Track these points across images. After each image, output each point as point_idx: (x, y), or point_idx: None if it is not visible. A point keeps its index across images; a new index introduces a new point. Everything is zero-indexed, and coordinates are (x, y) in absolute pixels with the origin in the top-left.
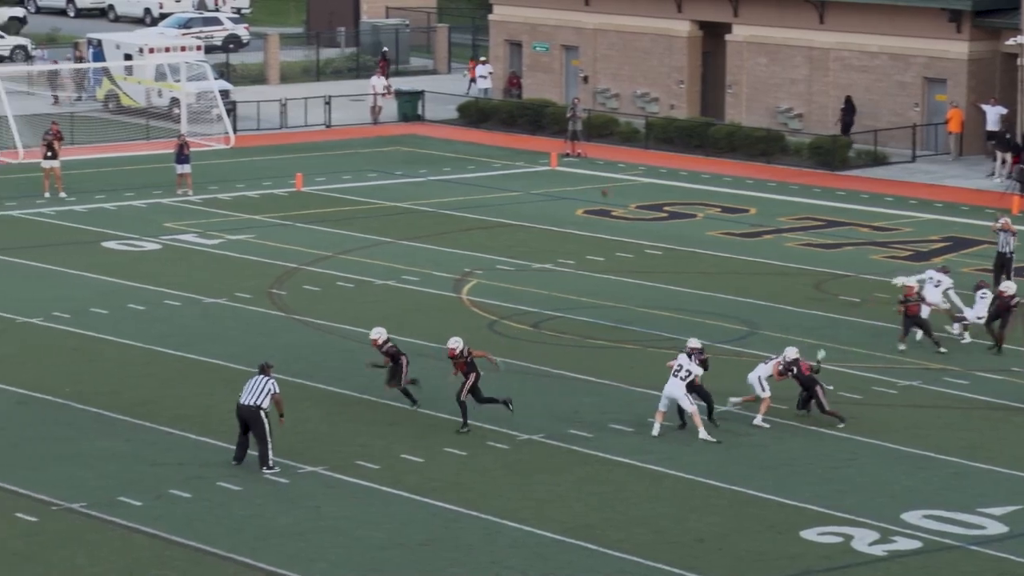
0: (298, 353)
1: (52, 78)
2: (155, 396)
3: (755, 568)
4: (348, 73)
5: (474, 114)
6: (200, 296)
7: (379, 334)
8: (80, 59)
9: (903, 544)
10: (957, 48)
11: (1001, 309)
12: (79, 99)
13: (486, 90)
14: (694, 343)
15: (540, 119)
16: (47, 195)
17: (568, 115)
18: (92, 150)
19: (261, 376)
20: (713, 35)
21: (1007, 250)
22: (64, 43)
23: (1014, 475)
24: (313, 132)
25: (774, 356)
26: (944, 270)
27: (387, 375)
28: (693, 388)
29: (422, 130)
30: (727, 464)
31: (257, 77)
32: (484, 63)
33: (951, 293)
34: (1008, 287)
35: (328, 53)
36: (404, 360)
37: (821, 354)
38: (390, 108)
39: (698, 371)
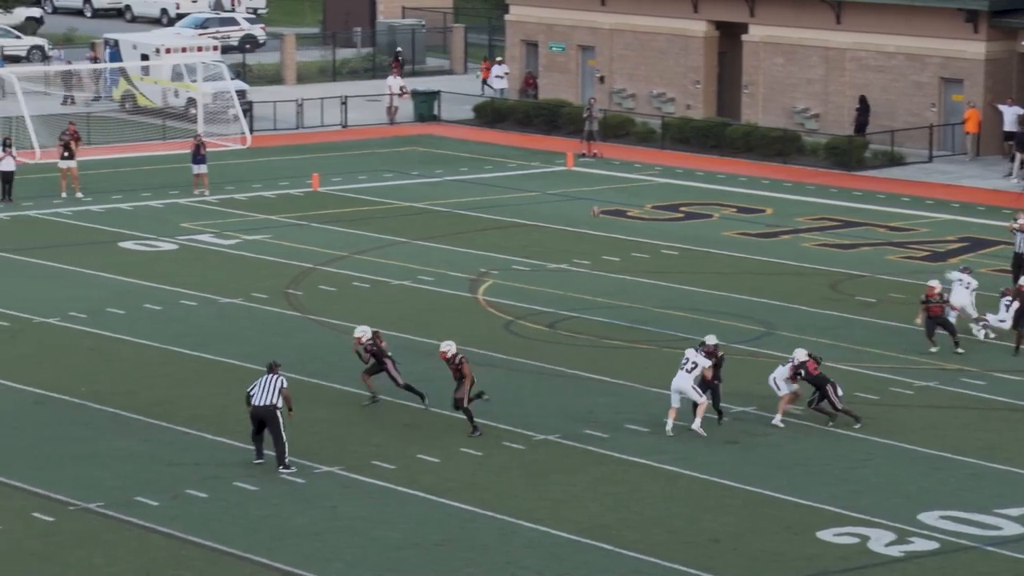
0: (314, 353)
1: (66, 78)
2: (171, 396)
3: (771, 568)
4: (364, 73)
5: (490, 114)
6: (216, 296)
7: (362, 332)
8: (95, 59)
9: (920, 545)
10: (974, 48)
11: (1020, 310)
12: (95, 99)
13: (502, 90)
14: (709, 340)
15: (556, 119)
16: (64, 195)
17: (584, 115)
18: (109, 150)
19: (270, 375)
20: (729, 35)
21: None
22: (81, 43)
23: None
24: (329, 132)
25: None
26: (967, 270)
27: (368, 368)
28: (707, 386)
29: (438, 130)
30: (742, 464)
31: (273, 77)
32: (500, 63)
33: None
34: None
35: (344, 53)
36: (389, 362)
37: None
38: (406, 108)
39: (705, 362)
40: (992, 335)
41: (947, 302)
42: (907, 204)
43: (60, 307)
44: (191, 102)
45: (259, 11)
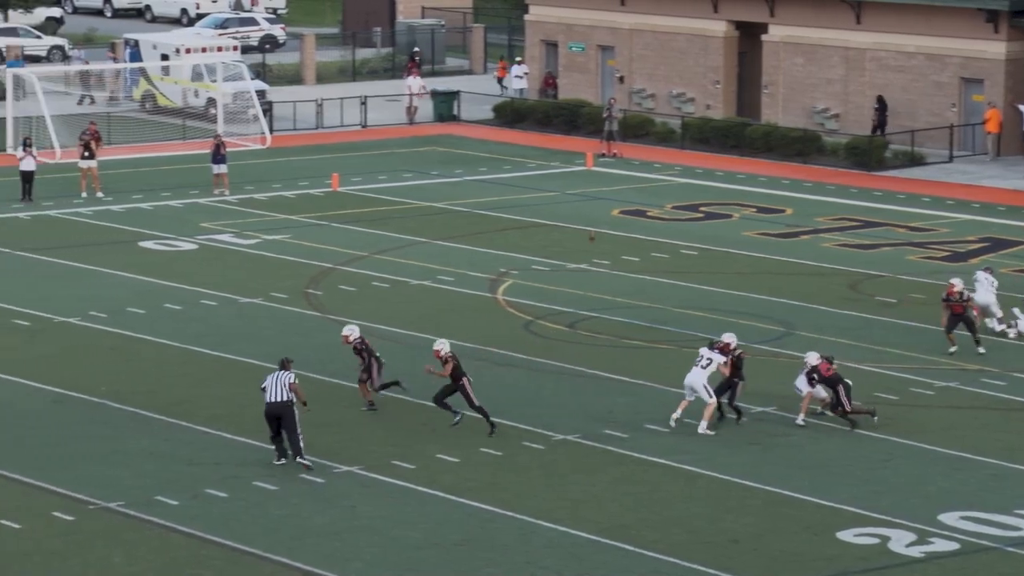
0: (334, 353)
1: (85, 78)
2: (191, 395)
3: (790, 569)
4: (384, 73)
5: (510, 114)
6: (236, 296)
7: (350, 331)
8: (114, 60)
9: (940, 545)
10: (994, 48)
11: None
12: (114, 99)
13: (522, 90)
14: (725, 337)
15: (576, 119)
16: (84, 195)
17: (604, 115)
18: (129, 150)
19: (281, 371)
20: (749, 35)
21: None
22: (101, 43)
23: None
24: (349, 132)
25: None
26: (988, 270)
27: (360, 372)
28: (727, 385)
29: (458, 130)
30: (762, 464)
31: (293, 77)
32: (520, 63)
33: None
34: None
35: (364, 53)
36: (375, 363)
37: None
38: (426, 108)
39: (719, 358)
40: (1012, 334)
41: (968, 300)
42: (927, 204)
43: (80, 307)
44: (211, 102)
45: (279, 11)
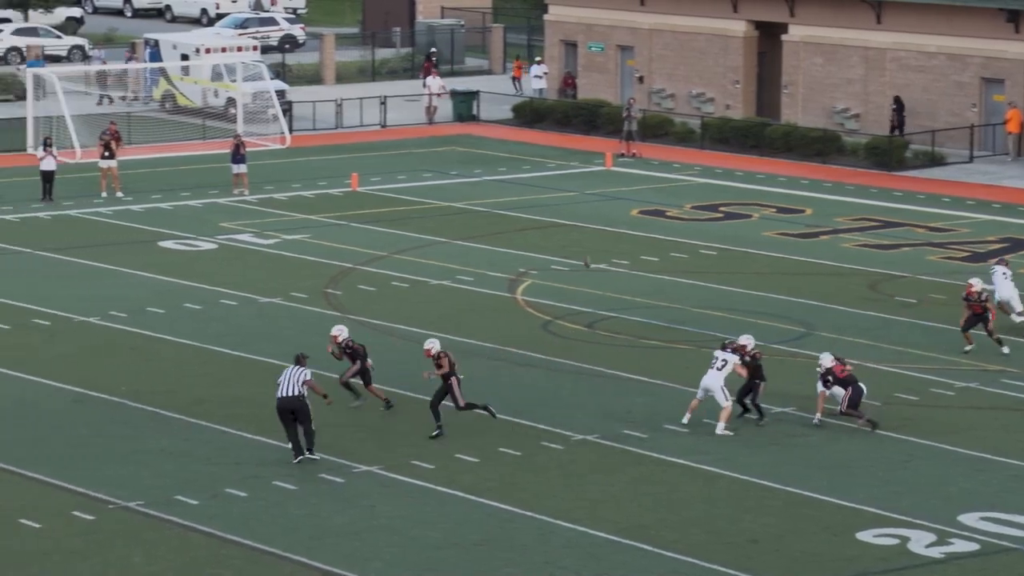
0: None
1: (102, 78)
2: (211, 395)
3: (810, 569)
4: (403, 73)
5: (529, 114)
6: (256, 296)
7: (339, 331)
8: (131, 60)
9: (960, 546)
10: (1015, 48)
11: None
12: (125, 99)
13: (541, 90)
14: (741, 339)
15: (595, 119)
16: (104, 195)
17: (623, 115)
18: (149, 150)
19: (296, 367)
20: (769, 35)
21: None
22: (121, 43)
23: None
24: (368, 132)
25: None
26: (1002, 262)
27: (356, 375)
28: (748, 387)
29: (477, 130)
30: (782, 465)
31: (313, 77)
32: (539, 63)
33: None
34: None
35: (383, 53)
36: (359, 363)
37: None
38: (445, 108)
39: (734, 359)
40: None
41: (987, 300)
42: (948, 204)
43: (100, 306)
44: (231, 102)
45: (298, 11)
